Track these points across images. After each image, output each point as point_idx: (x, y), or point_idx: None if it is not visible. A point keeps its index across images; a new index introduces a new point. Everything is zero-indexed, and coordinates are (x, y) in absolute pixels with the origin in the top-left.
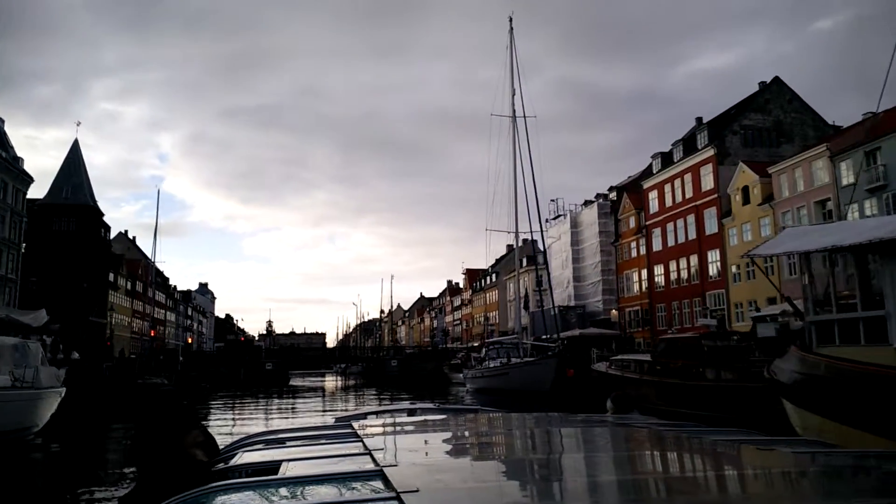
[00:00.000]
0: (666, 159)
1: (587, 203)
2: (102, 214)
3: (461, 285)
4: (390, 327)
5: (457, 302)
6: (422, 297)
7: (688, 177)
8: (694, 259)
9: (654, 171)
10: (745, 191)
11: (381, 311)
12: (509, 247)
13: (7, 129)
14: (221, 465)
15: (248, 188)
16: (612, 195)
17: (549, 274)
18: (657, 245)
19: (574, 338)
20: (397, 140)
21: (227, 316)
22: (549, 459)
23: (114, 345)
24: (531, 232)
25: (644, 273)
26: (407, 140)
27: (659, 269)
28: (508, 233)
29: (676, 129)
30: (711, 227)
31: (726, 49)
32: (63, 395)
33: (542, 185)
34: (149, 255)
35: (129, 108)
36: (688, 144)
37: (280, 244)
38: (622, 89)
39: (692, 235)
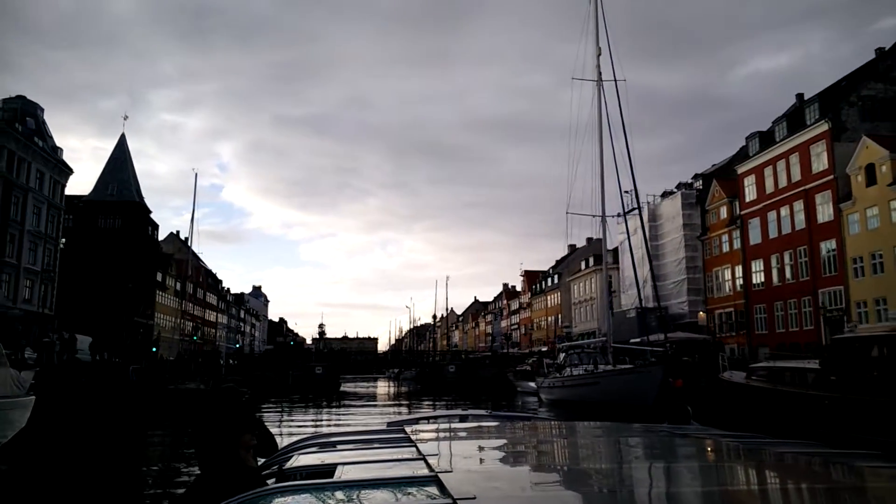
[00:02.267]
0: (765, 139)
1: (667, 194)
2: (150, 212)
3: (518, 288)
4: (444, 332)
5: (514, 306)
6: (476, 301)
7: (794, 157)
8: (803, 252)
9: (752, 154)
10: (870, 169)
11: (434, 316)
12: (571, 247)
13: (72, 140)
14: (277, 467)
15: (305, 195)
16: (698, 184)
17: (637, 268)
18: (755, 237)
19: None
20: (445, 146)
21: (281, 319)
22: (607, 469)
23: (160, 347)
24: (624, 212)
25: (738, 270)
26: (454, 146)
27: (757, 265)
28: (594, 216)
29: (731, 133)
30: (825, 213)
31: (781, 51)
32: (30, 405)
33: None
34: (200, 257)
35: (188, 118)
36: (793, 120)
37: (335, 250)
38: (675, 91)
39: (800, 224)
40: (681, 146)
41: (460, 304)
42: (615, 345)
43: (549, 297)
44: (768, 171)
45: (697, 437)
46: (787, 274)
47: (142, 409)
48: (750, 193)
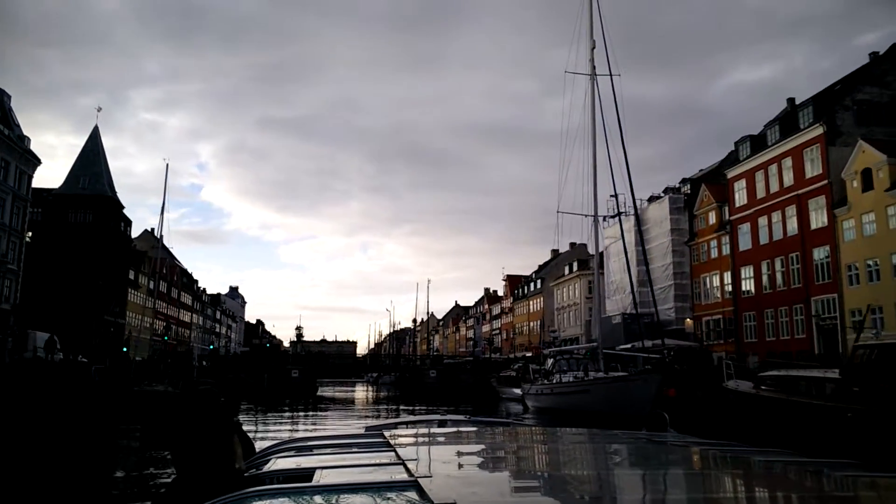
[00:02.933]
0: (757, 143)
1: (654, 198)
2: (122, 207)
3: (500, 293)
4: (424, 336)
5: (496, 310)
6: (457, 305)
7: (787, 161)
8: (795, 258)
9: (742, 158)
10: (867, 174)
11: (414, 321)
12: (554, 251)
13: (50, 137)
14: (254, 471)
15: (285, 197)
16: (686, 188)
17: (631, 271)
18: (745, 243)
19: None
20: (430, 151)
21: (258, 321)
22: (586, 475)
23: (131, 347)
24: (618, 213)
25: (727, 276)
26: (439, 151)
27: (747, 272)
28: (585, 216)
29: (713, 143)
30: (819, 219)
31: (763, 63)
32: None
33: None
34: (175, 255)
35: (169, 118)
36: (786, 124)
37: (314, 253)
38: (659, 100)
39: (793, 230)
40: (665, 154)
41: (441, 309)
42: (606, 351)
43: (531, 303)
44: (759, 176)
45: (675, 444)
46: (779, 281)
47: (104, 412)
48: (740, 198)
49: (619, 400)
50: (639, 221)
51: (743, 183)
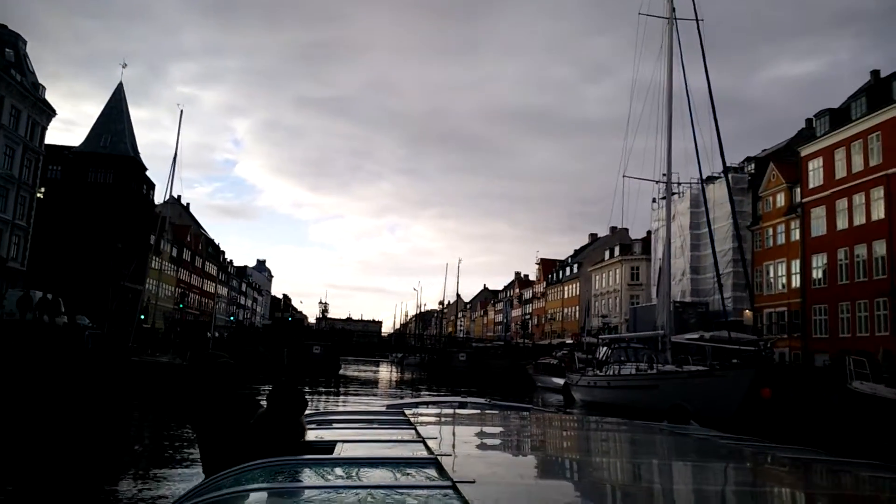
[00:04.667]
0: (838, 117)
1: (711, 178)
2: (145, 169)
3: (532, 277)
4: (452, 318)
5: (527, 295)
6: (485, 288)
7: (874, 138)
8: (879, 246)
9: (819, 134)
10: None
11: (441, 302)
12: (592, 236)
13: (92, 107)
14: None
15: (317, 175)
16: (750, 167)
17: (688, 257)
18: (818, 228)
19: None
20: (462, 136)
21: (284, 296)
22: (606, 462)
23: (151, 315)
24: (701, 179)
25: (795, 264)
26: (472, 136)
27: (818, 260)
28: (657, 182)
29: (753, 137)
30: None
31: (806, 58)
32: None
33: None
34: (205, 226)
35: (207, 92)
36: (874, 96)
37: (343, 232)
38: (697, 92)
39: (878, 214)
40: (703, 147)
41: (468, 293)
42: (682, 339)
43: (566, 288)
44: (839, 154)
45: (697, 436)
46: (858, 271)
47: (94, 383)
48: (815, 178)
49: (699, 398)
50: (730, 188)
51: (819, 161)
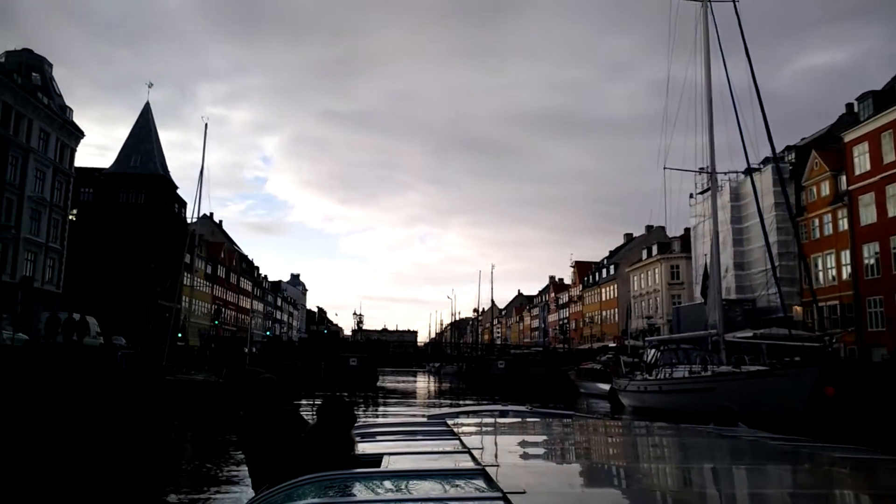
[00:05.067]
0: (882, 100)
1: (752, 170)
2: (176, 187)
3: (567, 281)
4: (487, 325)
5: (563, 299)
6: (520, 294)
7: None
8: None
9: (863, 119)
10: None
11: (476, 310)
12: (628, 236)
13: (122, 130)
14: None
15: (346, 189)
16: (791, 157)
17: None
18: (867, 217)
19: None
20: (487, 142)
21: (319, 309)
22: (655, 468)
23: (188, 333)
24: (749, 167)
25: (845, 255)
26: (497, 141)
27: (870, 249)
28: (698, 172)
29: (781, 130)
30: None
31: (831, 47)
32: None
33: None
34: (238, 243)
35: (234, 112)
36: None
37: (375, 243)
38: (721, 85)
39: None
40: (731, 141)
41: (501, 300)
42: (736, 338)
43: (603, 290)
44: (886, 137)
45: (746, 438)
46: None
47: (126, 404)
48: (861, 164)
49: (761, 400)
50: (780, 176)
51: (865, 146)
